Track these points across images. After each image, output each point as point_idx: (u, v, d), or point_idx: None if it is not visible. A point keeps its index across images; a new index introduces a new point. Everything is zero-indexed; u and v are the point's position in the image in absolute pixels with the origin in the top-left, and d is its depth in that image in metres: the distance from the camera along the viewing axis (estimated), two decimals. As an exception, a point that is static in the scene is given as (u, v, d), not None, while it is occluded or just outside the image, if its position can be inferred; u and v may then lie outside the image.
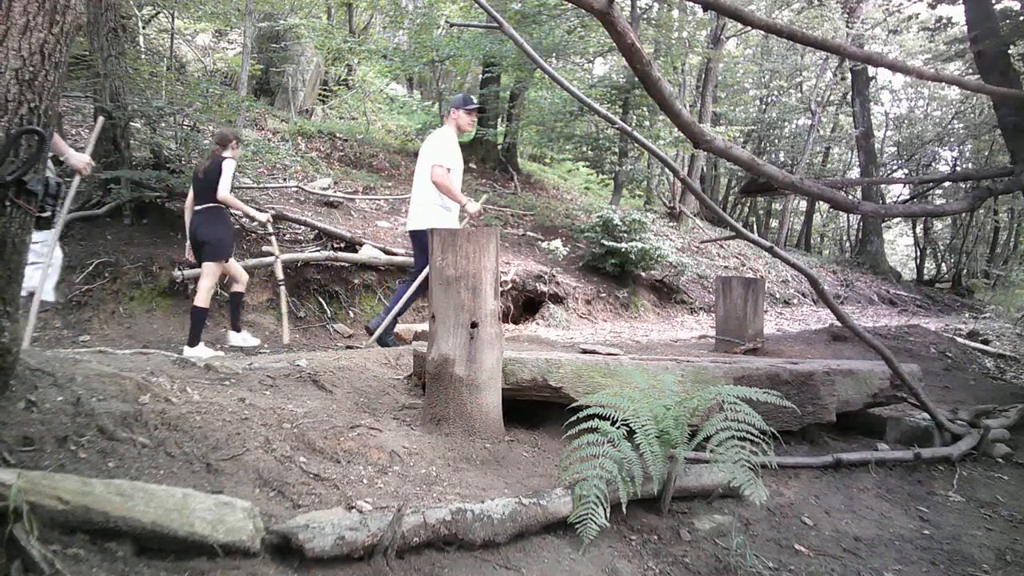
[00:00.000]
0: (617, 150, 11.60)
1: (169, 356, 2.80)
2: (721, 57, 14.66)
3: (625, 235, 8.92)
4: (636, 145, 5.21)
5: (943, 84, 9.54)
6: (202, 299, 4.54)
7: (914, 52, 17.36)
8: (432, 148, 4.48)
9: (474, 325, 2.48)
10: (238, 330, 4.95)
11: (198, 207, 4.56)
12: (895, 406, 3.77)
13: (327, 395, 2.74)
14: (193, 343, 4.49)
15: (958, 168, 18.76)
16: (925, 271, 20.20)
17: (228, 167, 4.50)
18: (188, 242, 4.74)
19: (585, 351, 3.79)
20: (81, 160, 3.58)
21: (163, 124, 6.54)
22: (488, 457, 2.39)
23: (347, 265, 6.54)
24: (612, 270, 9.04)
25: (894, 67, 4.08)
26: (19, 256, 1.66)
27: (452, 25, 9.02)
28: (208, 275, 4.57)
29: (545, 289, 7.91)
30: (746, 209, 20.70)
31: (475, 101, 4.90)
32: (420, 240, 4.43)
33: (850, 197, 4.25)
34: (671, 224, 12.98)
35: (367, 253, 6.62)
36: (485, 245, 2.52)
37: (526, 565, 1.82)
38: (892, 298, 13.98)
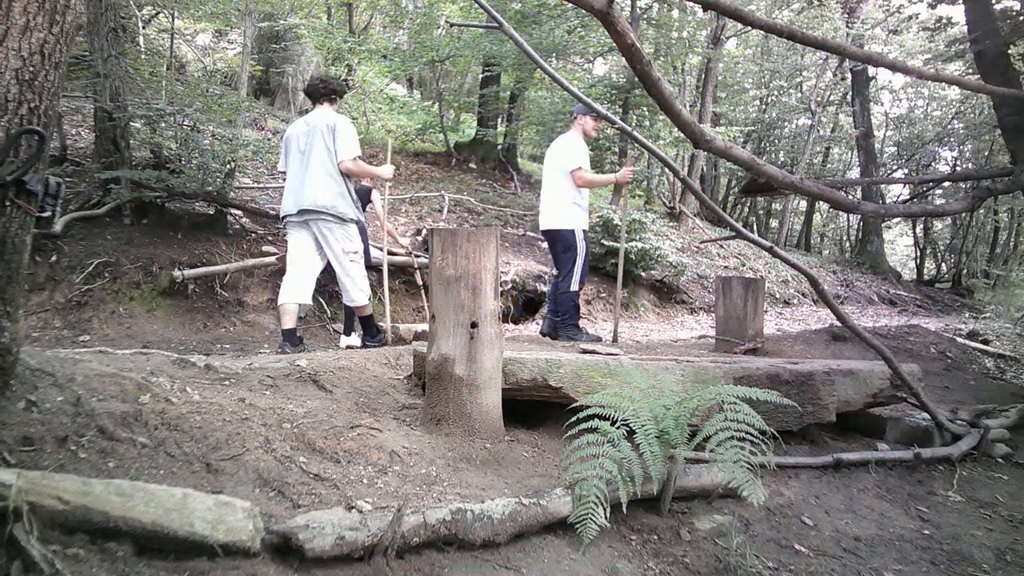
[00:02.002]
0: (617, 150, 11.61)
1: (169, 356, 2.80)
2: (721, 57, 14.64)
3: (625, 235, 8.92)
4: (636, 145, 5.21)
5: (943, 84, 9.54)
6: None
7: (914, 52, 17.36)
8: (561, 153, 4.85)
9: (474, 325, 2.48)
10: (348, 334, 5.19)
11: None
12: (895, 406, 3.76)
13: (327, 395, 2.74)
14: (347, 333, 5.10)
15: (958, 168, 18.73)
16: (925, 271, 20.17)
17: (377, 197, 5.15)
18: None
19: (585, 351, 3.78)
20: (388, 171, 4.63)
21: (163, 124, 6.53)
22: (488, 457, 2.39)
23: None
24: (612, 270, 9.03)
25: (894, 67, 4.08)
26: (19, 256, 1.66)
27: (452, 25, 9.02)
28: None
29: (545, 289, 7.90)
30: (746, 209, 20.69)
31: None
32: (562, 239, 4.98)
33: (850, 197, 4.25)
34: (671, 224, 12.97)
35: (367, 253, 6.62)
36: (485, 245, 2.52)
37: (526, 565, 1.82)
38: (892, 298, 13.97)
